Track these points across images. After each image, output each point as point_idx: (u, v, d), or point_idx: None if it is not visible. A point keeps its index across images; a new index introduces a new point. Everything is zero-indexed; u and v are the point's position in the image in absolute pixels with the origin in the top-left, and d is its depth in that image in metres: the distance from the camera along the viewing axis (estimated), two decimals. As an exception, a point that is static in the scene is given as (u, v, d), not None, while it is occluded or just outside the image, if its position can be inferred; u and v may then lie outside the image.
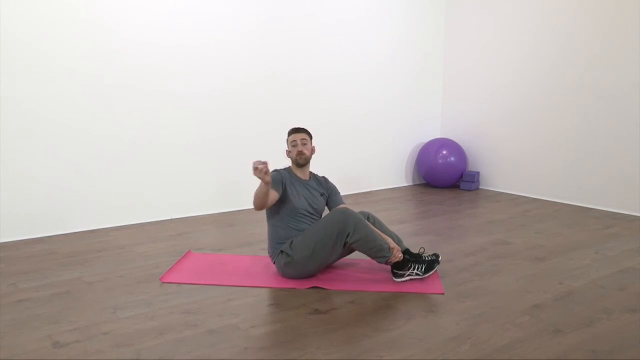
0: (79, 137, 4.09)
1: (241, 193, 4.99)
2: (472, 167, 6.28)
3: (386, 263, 2.99)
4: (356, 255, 3.44)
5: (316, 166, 5.34)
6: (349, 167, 5.80)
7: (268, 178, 2.71)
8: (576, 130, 5.22)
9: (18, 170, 3.85)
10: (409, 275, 2.99)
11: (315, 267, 3.00)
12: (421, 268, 3.00)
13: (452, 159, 5.93)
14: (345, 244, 2.95)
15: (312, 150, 3.23)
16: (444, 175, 5.98)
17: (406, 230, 4.20)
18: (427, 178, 6.14)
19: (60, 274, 3.15)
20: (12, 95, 3.78)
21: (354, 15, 5.58)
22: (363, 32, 5.68)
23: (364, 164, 5.93)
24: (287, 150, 3.23)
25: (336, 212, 2.95)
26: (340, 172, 5.71)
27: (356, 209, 4.91)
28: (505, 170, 5.93)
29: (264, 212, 4.79)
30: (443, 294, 2.84)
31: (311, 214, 3.15)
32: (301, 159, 3.17)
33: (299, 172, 3.23)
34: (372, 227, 2.99)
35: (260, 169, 2.66)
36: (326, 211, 3.41)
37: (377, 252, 2.94)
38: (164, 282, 3.00)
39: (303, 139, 3.17)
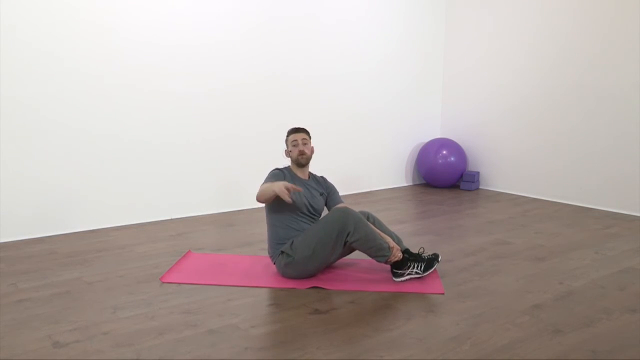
0: (79, 137, 4.09)
1: (241, 193, 4.99)
2: (472, 167, 6.28)
3: (386, 262, 2.99)
4: (356, 255, 3.44)
5: (316, 166, 5.35)
6: (349, 167, 5.80)
7: (288, 199, 2.77)
8: (576, 130, 5.22)
9: (18, 170, 3.86)
10: (408, 274, 2.99)
11: (316, 267, 3.00)
12: (421, 266, 2.99)
13: (452, 159, 5.93)
14: (345, 243, 2.95)
15: (312, 150, 3.23)
16: (444, 175, 5.98)
17: (406, 230, 4.20)
18: (427, 178, 6.14)
19: (60, 274, 3.15)
20: (13, 95, 3.78)
21: (354, 15, 5.58)
22: (363, 32, 5.68)
23: (364, 164, 5.93)
24: (286, 150, 3.23)
25: (336, 211, 2.95)
26: (340, 172, 5.71)
27: (356, 208, 4.91)
28: (505, 170, 5.93)
29: (263, 212, 4.79)
30: (443, 294, 2.84)
31: (311, 213, 3.15)
32: (303, 159, 3.18)
33: (298, 172, 3.23)
34: (372, 226, 2.99)
35: (288, 190, 2.76)
36: (325, 211, 3.41)
37: (377, 251, 2.94)
38: (164, 282, 3.00)
39: (304, 138, 3.18)
